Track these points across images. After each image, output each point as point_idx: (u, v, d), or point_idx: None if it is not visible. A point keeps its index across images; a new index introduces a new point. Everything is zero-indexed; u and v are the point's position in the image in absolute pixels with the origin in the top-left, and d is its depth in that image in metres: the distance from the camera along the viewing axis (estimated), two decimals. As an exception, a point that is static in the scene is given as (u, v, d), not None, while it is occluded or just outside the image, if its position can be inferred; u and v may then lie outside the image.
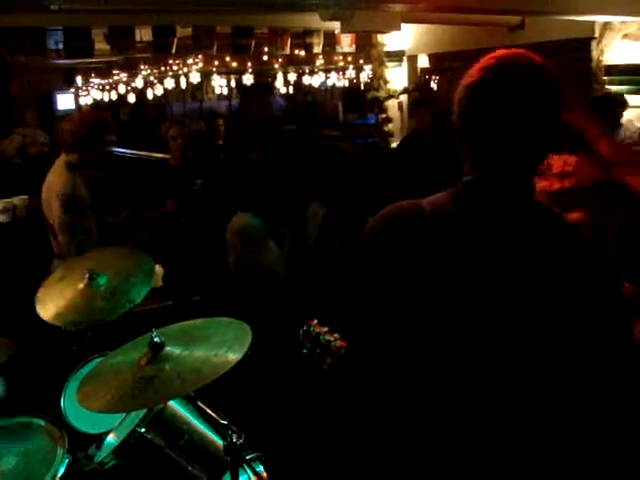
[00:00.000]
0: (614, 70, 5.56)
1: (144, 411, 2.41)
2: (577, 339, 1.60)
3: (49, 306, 2.86)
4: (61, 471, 2.43)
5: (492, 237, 1.64)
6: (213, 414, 2.45)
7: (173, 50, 7.31)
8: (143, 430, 2.36)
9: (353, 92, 13.40)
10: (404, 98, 8.34)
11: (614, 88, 5.55)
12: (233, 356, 2.08)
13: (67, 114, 13.11)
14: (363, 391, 1.91)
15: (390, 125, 8.54)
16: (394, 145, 8.41)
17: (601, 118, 4.29)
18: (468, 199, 1.69)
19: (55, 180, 4.19)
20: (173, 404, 2.47)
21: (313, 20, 6.41)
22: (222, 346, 2.15)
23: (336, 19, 5.03)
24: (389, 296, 1.75)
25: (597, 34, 5.78)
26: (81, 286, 2.88)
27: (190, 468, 2.41)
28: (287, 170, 3.38)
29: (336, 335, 2.62)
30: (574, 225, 1.72)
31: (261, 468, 2.58)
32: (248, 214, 3.38)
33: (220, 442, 2.40)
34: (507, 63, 1.65)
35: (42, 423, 2.65)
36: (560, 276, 1.59)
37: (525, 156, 1.66)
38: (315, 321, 2.67)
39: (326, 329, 2.77)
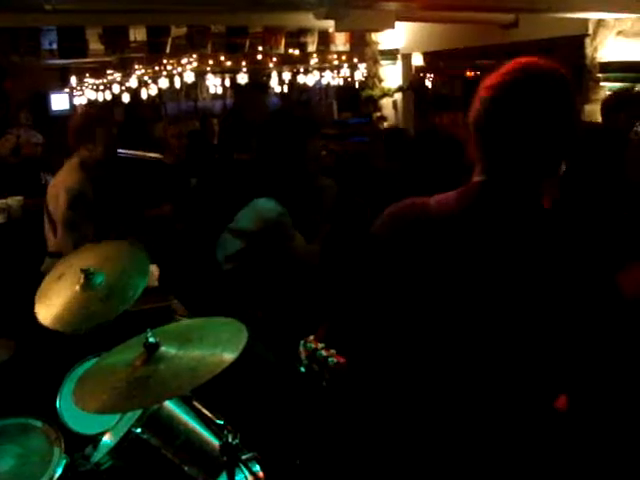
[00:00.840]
0: (609, 67, 5.56)
1: (140, 411, 2.41)
2: (574, 333, 1.62)
3: (47, 310, 2.84)
4: (58, 472, 2.43)
5: (495, 240, 1.66)
6: (209, 414, 2.45)
7: (167, 50, 7.33)
8: (139, 430, 2.37)
9: (348, 91, 13.40)
10: (399, 96, 8.34)
11: (608, 85, 5.55)
12: (228, 356, 2.08)
13: (62, 114, 13.12)
14: (370, 371, 1.93)
15: (385, 124, 8.54)
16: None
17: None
18: (475, 200, 1.71)
19: (66, 176, 4.24)
20: (169, 404, 2.47)
21: (307, 19, 6.40)
22: (217, 346, 2.15)
23: (330, 18, 5.03)
24: (394, 291, 1.77)
25: (591, 31, 5.78)
26: (77, 288, 2.86)
27: (186, 468, 2.41)
28: (282, 150, 3.36)
29: (332, 351, 2.64)
30: (576, 230, 1.73)
31: (257, 468, 2.58)
32: (273, 201, 3.33)
33: (216, 442, 2.40)
34: (532, 72, 1.68)
35: (38, 424, 2.64)
36: (554, 278, 1.61)
37: (538, 163, 1.69)
38: (311, 337, 2.68)
39: (322, 345, 2.79)
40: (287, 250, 3.32)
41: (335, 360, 2.62)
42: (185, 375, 2.05)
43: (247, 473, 2.44)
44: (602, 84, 5.62)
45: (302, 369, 2.73)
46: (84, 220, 4.14)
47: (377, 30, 7.41)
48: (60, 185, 4.23)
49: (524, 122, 1.64)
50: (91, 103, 13.10)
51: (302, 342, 2.71)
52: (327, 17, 4.99)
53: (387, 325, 1.82)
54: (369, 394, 1.95)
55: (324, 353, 2.67)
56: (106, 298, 2.78)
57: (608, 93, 5.56)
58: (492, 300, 1.65)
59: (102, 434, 2.66)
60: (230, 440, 2.27)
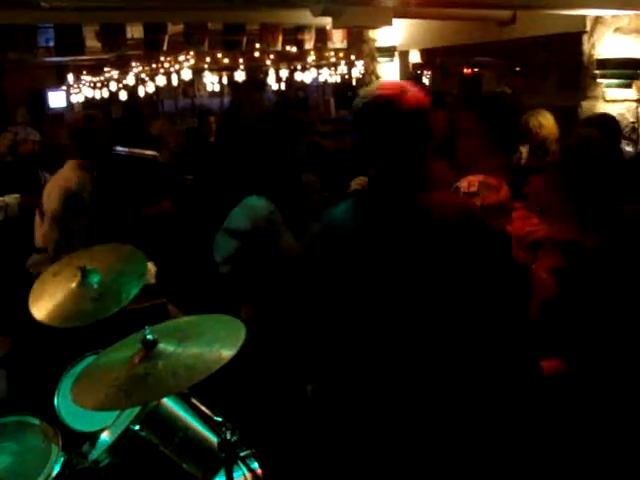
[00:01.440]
0: (606, 64, 5.54)
1: (138, 409, 2.41)
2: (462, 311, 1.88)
3: (41, 306, 2.85)
4: (56, 470, 2.44)
5: (382, 237, 1.94)
6: (207, 411, 2.46)
7: (164, 47, 7.29)
8: (137, 428, 2.37)
9: (345, 88, 13.39)
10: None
11: (605, 82, 5.55)
12: (226, 352, 2.09)
13: (58, 112, 13.11)
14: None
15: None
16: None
17: None
18: (367, 198, 2.09)
19: (66, 174, 4.27)
20: (167, 401, 2.47)
21: (304, 16, 6.39)
22: (215, 342, 2.16)
23: (327, 15, 5.01)
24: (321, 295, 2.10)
25: (588, 28, 5.78)
26: (73, 285, 2.86)
27: (185, 465, 2.41)
28: (272, 149, 3.43)
29: None
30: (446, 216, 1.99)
31: (256, 464, 2.59)
32: (263, 198, 3.37)
33: (214, 439, 2.40)
34: (386, 94, 2.02)
35: (36, 422, 2.65)
36: (437, 256, 1.90)
37: (404, 162, 2.01)
38: None
39: None
40: (277, 248, 3.34)
41: None
42: (183, 372, 2.06)
43: (245, 470, 2.45)
44: (599, 81, 5.62)
45: None
46: (73, 219, 4.16)
47: (374, 27, 7.39)
48: (58, 183, 4.25)
49: (382, 134, 2.02)
50: (88, 101, 13.12)
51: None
52: (324, 14, 4.97)
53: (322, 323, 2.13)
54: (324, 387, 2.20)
55: None
56: (99, 297, 2.79)
57: (605, 90, 5.57)
58: (398, 289, 1.88)
59: (100, 431, 2.66)
60: (228, 437, 2.28)
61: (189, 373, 2.05)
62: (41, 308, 2.84)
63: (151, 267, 4.24)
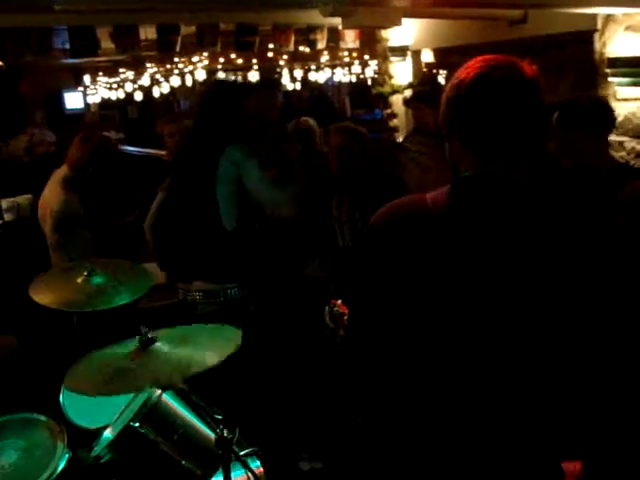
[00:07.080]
0: (617, 62, 5.51)
1: (139, 405, 2.45)
2: (567, 326, 1.64)
3: (42, 290, 2.97)
4: (61, 466, 2.48)
5: (489, 231, 1.69)
6: (207, 408, 2.49)
7: (177, 48, 7.34)
8: (137, 424, 2.40)
9: (360, 87, 13.39)
10: (409, 93, 8.32)
11: (617, 80, 5.52)
12: (210, 360, 2.15)
13: (75, 113, 13.22)
14: (366, 371, 1.96)
15: (395, 120, 8.53)
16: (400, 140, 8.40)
17: None
18: (466, 196, 1.75)
19: (50, 197, 4.31)
20: (167, 399, 2.51)
21: (317, 16, 6.39)
22: (206, 349, 2.21)
23: (336, 15, 5.02)
24: (391, 285, 1.79)
25: (599, 26, 5.75)
26: (77, 279, 3.01)
27: (184, 462, 2.44)
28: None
29: None
30: (568, 217, 1.75)
31: (257, 463, 2.61)
32: (239, 145, 3.73)
33: (214, 436, 2.43)
34: (497, 65, 1.75)
35: (43, 418, 2.69)
36: (549, 266, 1.64)
37: (520, 155, 1.74)
38: (339, 301, 2.69)
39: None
40: (255, 188, 3.70)
41: None
42: (166, 369, 2.11)
43: (244, 468, 2.47)
44: (610, 79, 5.59)
45: (327, 332, 2.76)
46: (75, 236, 4.23)
47: (384, 27, 7.39)
48: (45, 207, 4.31)
49: (502, 114, 1.70)
50: (105, 101, 13.23)
51: (330, 305, 2.73)
52: (333, 15, 4.97)
53: (382, 318, 1.83)
54: (371, 389, 1.97)
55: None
56: (92, 295, 2.94)
57: (616, 89, 5.55)
58: (489, 294, 1.66)
59: (104, 428, 2.69)
60: (225, 434, 2.30)
61: (170, 370, 2.11)
62: (41, 292, 3.00)
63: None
